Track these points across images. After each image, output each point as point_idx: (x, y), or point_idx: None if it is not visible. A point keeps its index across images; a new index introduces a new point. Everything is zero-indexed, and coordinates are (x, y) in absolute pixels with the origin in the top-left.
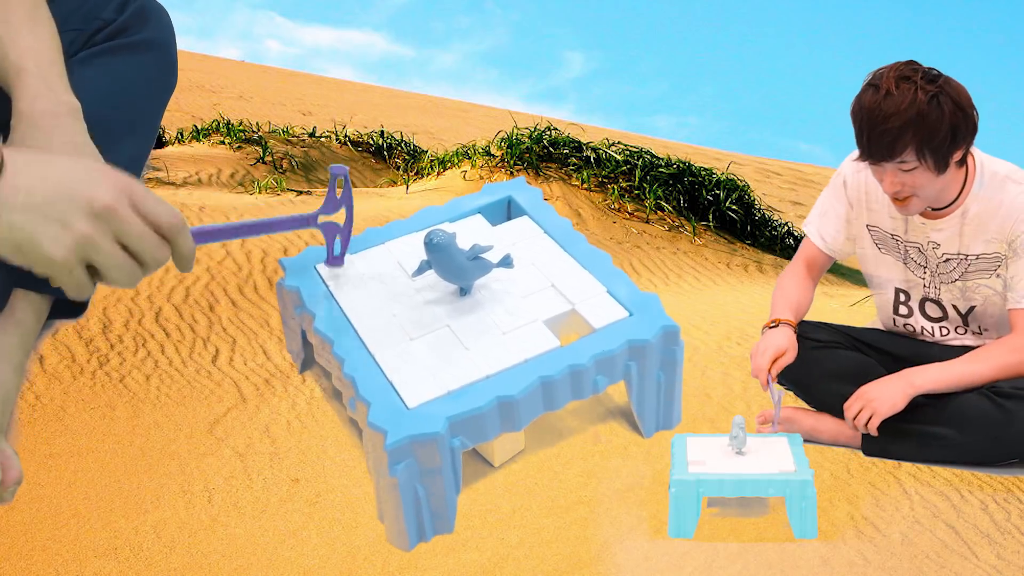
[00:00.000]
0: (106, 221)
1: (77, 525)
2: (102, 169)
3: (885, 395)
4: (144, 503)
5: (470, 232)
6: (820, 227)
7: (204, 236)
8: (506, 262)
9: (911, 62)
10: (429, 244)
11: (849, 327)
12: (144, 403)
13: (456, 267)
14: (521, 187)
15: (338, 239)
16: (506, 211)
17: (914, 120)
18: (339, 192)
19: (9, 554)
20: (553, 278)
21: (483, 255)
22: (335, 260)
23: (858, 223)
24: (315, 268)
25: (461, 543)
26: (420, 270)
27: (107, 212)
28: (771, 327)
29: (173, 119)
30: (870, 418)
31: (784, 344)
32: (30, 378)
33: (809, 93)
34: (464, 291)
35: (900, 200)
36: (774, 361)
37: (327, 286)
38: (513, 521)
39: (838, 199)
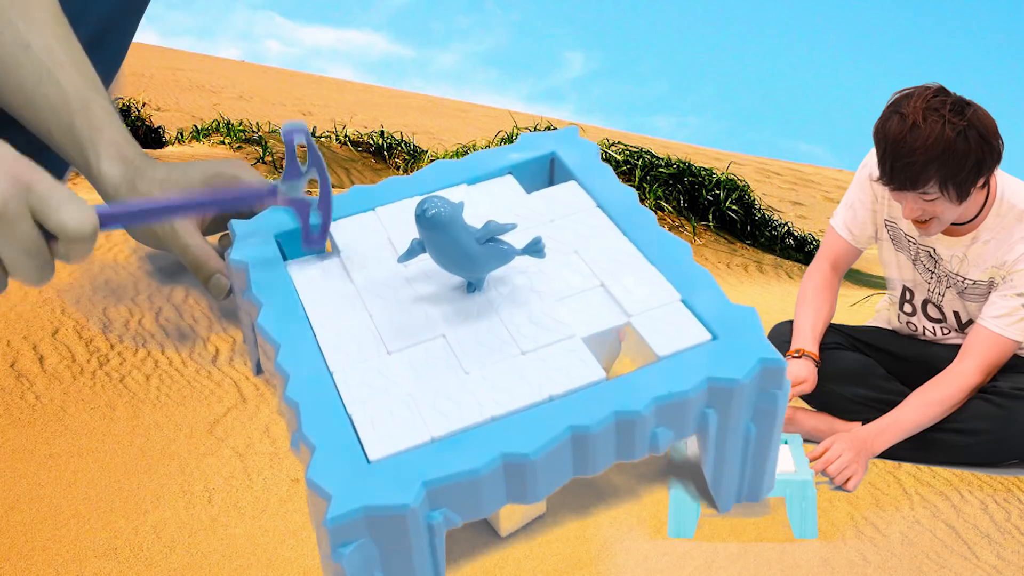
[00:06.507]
0: None
1: (77, 525)
2: (5, 160)
3: (860, 464)
4: (144, 503)
5: (496, 200)
6: (847, 219)
7: (118, 219)
8: (534, 248)
9: (940, 90)
10: (421, 218)
11: (849, 327)
12: (144, 403)
13: (460, 252)
14: (571, 139)
15: (315, 213)
16: (548, 172)
17: (940, 155)
18: (303, 159)
19: (9, 554)
20: (604, 275)
21: (502, 236)
22: (313, 241)
23: (881, 216)
24: (274, 237)
25: None
26: (410, 253)
27: None
28: (794, 357)
29: (173, 119)
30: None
31: (804, 375)
32: (30, 378)
33: (809, 93)
34: (472, 286)
35: (920, 223)
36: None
37: (285, 265)
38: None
39: (864, 191)
